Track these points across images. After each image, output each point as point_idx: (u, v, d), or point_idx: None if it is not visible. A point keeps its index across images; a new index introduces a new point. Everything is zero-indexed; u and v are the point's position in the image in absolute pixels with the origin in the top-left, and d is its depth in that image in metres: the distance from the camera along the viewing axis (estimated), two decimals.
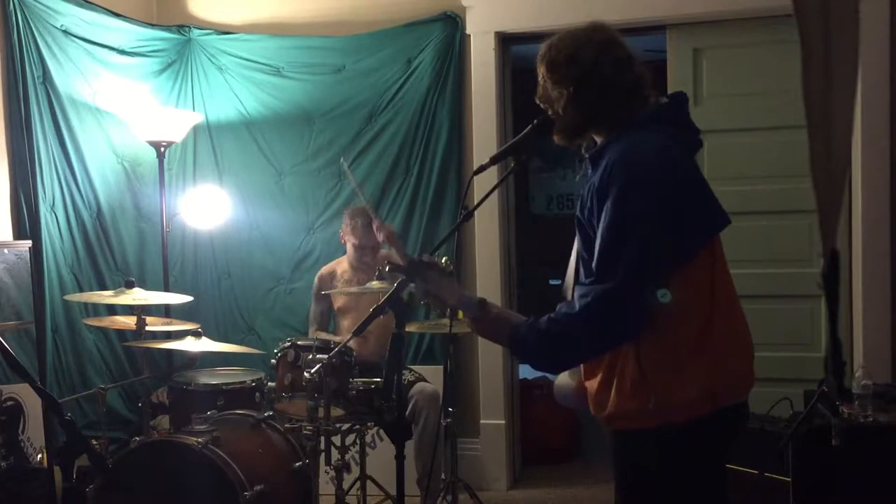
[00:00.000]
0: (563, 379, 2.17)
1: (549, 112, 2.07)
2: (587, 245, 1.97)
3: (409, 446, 3.77)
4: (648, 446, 1.95)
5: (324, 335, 4.08)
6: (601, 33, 2.03)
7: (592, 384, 2.01)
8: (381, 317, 2.31)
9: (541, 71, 2.06)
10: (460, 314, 3.50)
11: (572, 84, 1.99)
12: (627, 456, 2.02)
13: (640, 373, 1.91)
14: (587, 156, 2.04)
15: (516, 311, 2.25)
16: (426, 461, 3.78)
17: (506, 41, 4.60)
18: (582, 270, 2.02)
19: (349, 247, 4.15)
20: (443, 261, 2.09)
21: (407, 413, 3.83)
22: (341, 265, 4.26)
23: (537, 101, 2.09)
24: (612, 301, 1.87)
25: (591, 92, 1.98)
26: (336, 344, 3.46)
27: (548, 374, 5.11)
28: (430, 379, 4.08)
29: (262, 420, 3.37)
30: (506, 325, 2.02)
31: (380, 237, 3.96)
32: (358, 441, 3.85)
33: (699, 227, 1.94)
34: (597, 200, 1.92)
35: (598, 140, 2.04)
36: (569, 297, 2.14)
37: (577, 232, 2.04)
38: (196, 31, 4.81)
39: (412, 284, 2.08)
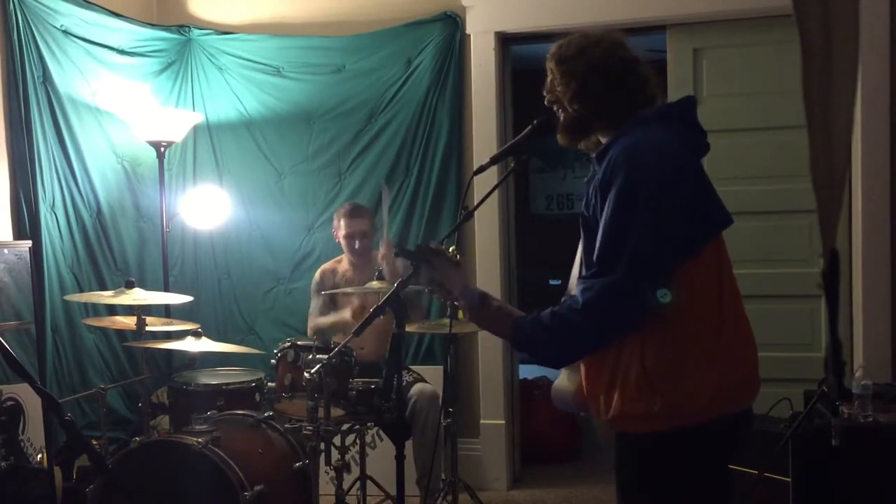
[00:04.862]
0: (561, 383, 2.16)
1: (555, 108, 2.09)
2: (590, 242, 1.98)
3: (409, 446, 3.77)
4: (652, 449, 1.95)
5: (324, 320, 4.12)
6: (611, 36, 2.07)
7: (597, 388, 2.01)
8: (381, 317, 2.32)
9: (550, 66, 2.08)
10: (461, 314, 3.50)
11: (580, 77, 2.01)
12: (630, 459, 2.01)
13: (645, 375, 1.91)
14: (593, 155, 2.05)
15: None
16: (426, 461, 3.78)
17: (506, 41, 4.60)
18: (584, 266, 2.03)
19: (345, 250, 4.18)
20: (450, 250, 2.10)
21: (407, 413, 3.83)
22: (342, 264, 4.27)
23: (545, 93, 2.10)
24: (615, 293, 1.87)
25: (597, 86, 2.00)
26: (336, 343, 3.47)
27: (548, 375, 5.12)
28: (429, 379, 4.08)
29: (262, 420, 3.37)
30: (507, 318, 2.03)
31: (382, 251, 3.98)
32: (358, 441, 3.85)
33: (702, 223, 1.95)
34: (600, 194, 1.93)
35: (603, 141, 2.05)
36: None
37: (581, 231, 2.04)
38: (196, 31, 4.81)
39: (420, 267, 2.08)
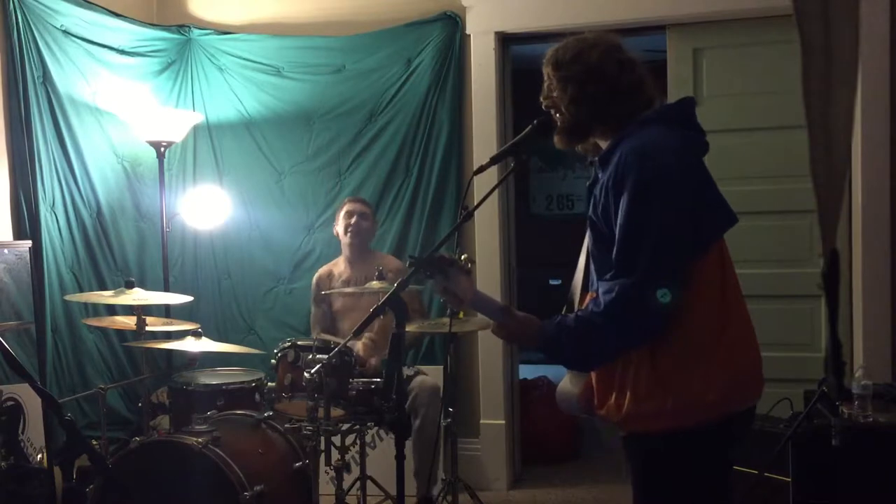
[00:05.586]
0: (566, 386, 2.16)
1: (553, 112, 2.09)
2: (601, 244, 1.99)
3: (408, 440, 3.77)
4: (662, 448, 1.96)
5: (328, 337, 4.08)
6: (606, 38, 2.08)
7: (608, 389, 2.01)
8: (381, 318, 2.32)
9: (546, 71, 2.09)
10: (461, 313, 3.49)
11: (577, 81, 2.02)
12: (640, 458, 2.02)
13: (655, 374, 1.92)
14: (596, 158, 2.06)
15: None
16: (424, 454, 3.79)
17: (506, 41, 4.60)
18: (594, 269, 2.04)
19: (341, 232, 4.19)
20: (462, 258, 2.10)
21: (406, 406, 3.83)
22: (338, 266, 4.27)
23: (542, 100, 2.11)
24: (637, 295, 1.88)
25: (595, 88, 2.01)
26: (336, 344, 3.47)
27: (548, 374, 5.12)
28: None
29: (262, 420, 3.37)
30: (532, 326, 2.03)
31: None
32: (358, 441, 3.85)
33: (712, 222, 1.97)
34: (612, 195, 1.93)
35: (602, 144, 2.06)
36: (576, 299, 2.15)
37: (589, 232, 2.05)
38: (196, 31, 4.81)
39: (431, 280, 2.09)
